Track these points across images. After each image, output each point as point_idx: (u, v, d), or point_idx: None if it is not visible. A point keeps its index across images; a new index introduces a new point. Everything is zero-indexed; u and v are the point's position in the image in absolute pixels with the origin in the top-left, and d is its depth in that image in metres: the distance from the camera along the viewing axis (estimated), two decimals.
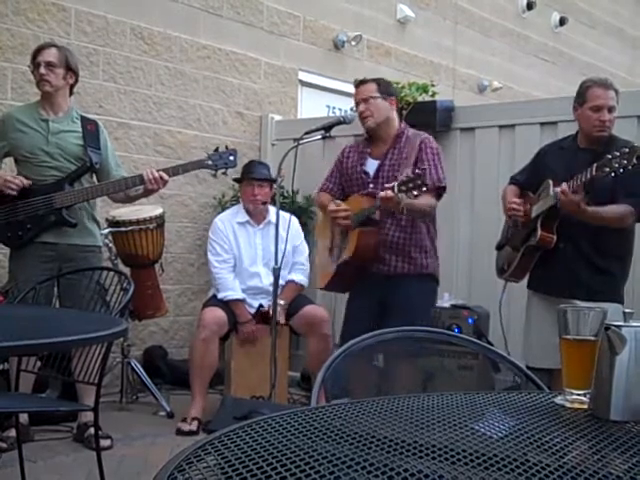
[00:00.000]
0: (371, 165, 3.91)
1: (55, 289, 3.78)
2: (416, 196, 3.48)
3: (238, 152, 4.07)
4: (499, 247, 3.97)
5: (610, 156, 3.12)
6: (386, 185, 3.56)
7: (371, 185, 3.84)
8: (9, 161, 4.08)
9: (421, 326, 2.42)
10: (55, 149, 3.85)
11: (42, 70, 3.81)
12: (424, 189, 3.47)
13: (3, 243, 3.95)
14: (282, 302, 4.42)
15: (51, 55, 3.83)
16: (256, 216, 4.75)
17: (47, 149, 3.84)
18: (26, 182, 3.78)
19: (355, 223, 3.79)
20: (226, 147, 4.03)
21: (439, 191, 3.82)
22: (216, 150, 3.98)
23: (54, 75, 3.84)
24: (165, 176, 3.84)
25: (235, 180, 5.00)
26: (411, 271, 3.83)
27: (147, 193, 3.96)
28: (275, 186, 4.32)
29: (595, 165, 3.18)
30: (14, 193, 3.77)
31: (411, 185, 3.43)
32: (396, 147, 3.86)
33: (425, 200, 3.70)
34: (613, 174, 3.14)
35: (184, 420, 4.30)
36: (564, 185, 3.30)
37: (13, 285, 3.85)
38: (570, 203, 3.30)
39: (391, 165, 3.83)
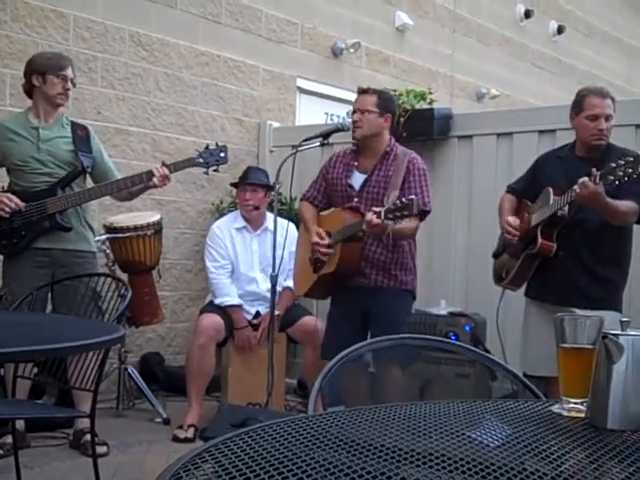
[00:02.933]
0: (357, 178, 3.88)
1: (49, 295, 3.78)
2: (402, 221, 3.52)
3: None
4: (496, 255, 3.98)
5: (614, 164, 3.12)
6: (374, 209, 3.51)
7: (355, 199, 3.82)
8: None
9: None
10: (46, 156, 3.85)
11: (69, 85, 3.91)
12: (412, 217, 3.51)
13: None
14: (277, 312, 4.41)
15: (72, 73, 3.93)
16: (253, 222, 4.77)
17: (38, 156, 3.84)
18: (22, 205, 3.79)
19: (338, 239, 3.77)
20: (216, 144, 4.04)
21: (423, 214, 3.80)
22: (206, 148, 3.99)
23: (70, 92, 3.96)
24: (167, 171, 3.87)
25: (232, 185, 5.02)
26: (391, 286, 3.83)
27: (147, 188, 3.99)
28: (273, 193, 4.32)
29: (599, 174, 3.17)
30: (6, 215, 3.77)
31: (398, 214, 3.42)
32: (384, 163, 3.82)
33: (409, 224, 3.68)
34: (617, 182, 3.14)
35: (180, 427, 4.30)
36: (585, 178, 3.23)
37: (7, 291, 3.85)
38: (594, 193, 3.23)
39: (377, 181, 3.80)
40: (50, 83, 3.86)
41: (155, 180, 3.85)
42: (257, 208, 4.71)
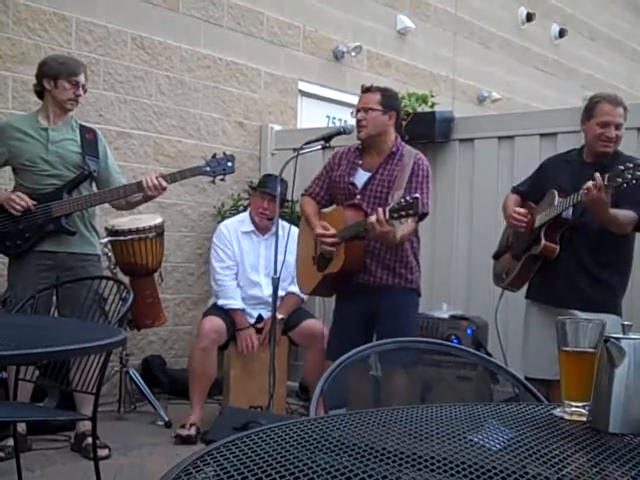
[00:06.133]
0: (360, 177, 3.86)
1: (54, 298, 3.79)
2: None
3: (237, 162, 4.07)
4: (497, 256, 3.98)
5: (622, 167, 3.12)
6: (379, 211, 3.47)
7: (358, 197, 3.81)
8: (8, 170, 4.09)
9: (408, 337, 2.42)
10: (55, 158, 3.86)
11: (80, 92, 3.92)
12: (416, 217, 3.50)
13: (2, 252, 3.95)
14: (280, 316, 4.40)
15: (84, 78, 3.94)
16: (262, 227, 4.74)
17: (47, 158, 3.85)
18: (31, 203, 3.79)
19: (342, 238, 3.76)
20: (224, 153, 4.04)
21: (421, 216, 3.76)
22: (214, 157, 3.99)
23: (81, 98, 3.97)
24: (164, 183, 3.86)
25: (251, 187, 5.01)
26: (396, 284, 3.82)
27: (147, 199, 3.98)
28: (287, 203, 4.30)
29: (607, 176, 3.17)
30: (17, 214, 3.78)
31: (403, 213, 3.40)
32: (389, 163, 3.81)
33: (410, 226, 3.68)
34: (625, 185, 3.13)
35: (183, 426, 4.30)
36: (598, 178, 3.22)
37: (12, 294, 3.85)
38: (598, 200, 3.24)
39: (381, 180, 3.79)
40: (61, 88, 3.86)
41: (147, 192, 3.85)
42: (271, 219, 4.67)
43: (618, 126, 3.49)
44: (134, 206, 4.15)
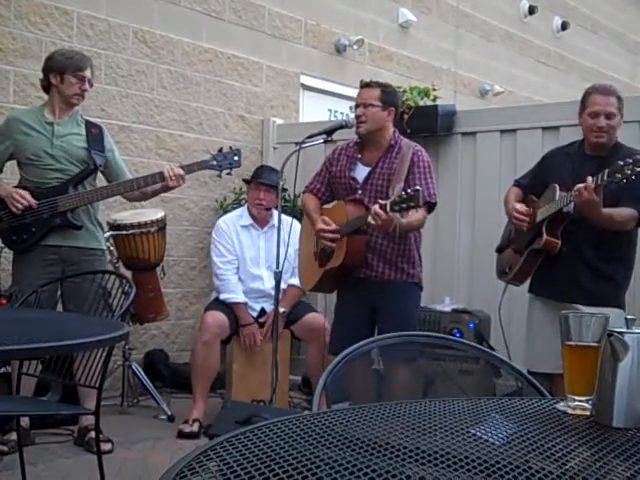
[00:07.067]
0: (360, 171, 3.86)
1: (58, 292, 3.79)
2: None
3: None
4: (500, 250, 3.97)
5: (622, 163, 3.10)
6: (379, 201, 3.46)
7: (359, 192, 3.81)
8: (10, 165, 4.08)
9: (410, 331, 2.42)
10: (60, 152, 3.86)
11: (86, 86, 3.92)
12: (418, 208, 3.48)
13: (8, 247, 3.96)
14: (282, 310, 4.40)
15: (91, 73, 3.94)
16: (260, 220, 4.75)
17: (52, 152, 3.85)
18: (33, 202, 3.79)
19: (343, 232, 3.75)
20: (230, 148, 4.04)
21: (429, 206, 3.77)
22: (220, 150, 4.00)
23: (86, 93, 3.97)
24: (183, 173, 3.86)
25: (244, 181, 5.01)
26: (398, 279, 3.81)
27: (166, 189, 3.98)
28: (285, 194, 4.29)
29: (607, 171, 3.16)
30: (18, 212, 3.78)
31: (404, 205, 3.39)
32: (388, 156, 3.81)
33: (416, 215, 3.64)
34: (625, 181, 3.12)
35: (185, 422, 4.31)
36: (589, 180, 3.21)
37: (17, 288, 3.86)
38: (589, 202, 3.24)
39: (381, 174, 3.79)
40: (68, 83, 3.86)
41: (169, 183, 3.84)
42: (268, 209, 4.69)
43: (609, 115, 3.47)
44: (150, 197, 4.14)
